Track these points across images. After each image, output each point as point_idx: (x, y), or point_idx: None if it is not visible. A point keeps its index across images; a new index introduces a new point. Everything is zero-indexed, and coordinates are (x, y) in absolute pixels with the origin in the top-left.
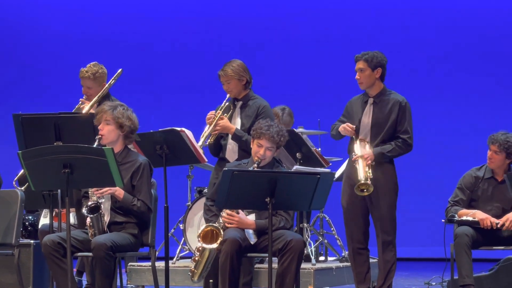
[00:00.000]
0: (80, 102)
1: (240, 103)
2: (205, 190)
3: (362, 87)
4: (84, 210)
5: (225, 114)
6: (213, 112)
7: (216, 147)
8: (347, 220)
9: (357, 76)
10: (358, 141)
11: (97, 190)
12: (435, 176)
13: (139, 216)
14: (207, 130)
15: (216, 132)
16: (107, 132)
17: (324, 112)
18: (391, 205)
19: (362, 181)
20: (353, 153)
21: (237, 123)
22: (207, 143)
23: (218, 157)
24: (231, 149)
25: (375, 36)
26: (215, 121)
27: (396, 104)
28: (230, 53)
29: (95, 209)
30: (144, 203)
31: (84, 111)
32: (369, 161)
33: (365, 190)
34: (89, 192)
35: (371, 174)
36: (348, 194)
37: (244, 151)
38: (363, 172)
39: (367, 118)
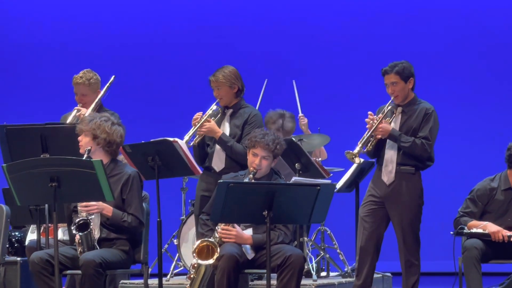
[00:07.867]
0: (76, 110)
1: (230, 111)
2: None
3: (398, 101)
4: (72, 228)
5: (213, 118)
6: (200, 113)
7: (202, 153)
8: (360, 228)
9: (390, 91)
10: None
11: (85, 206)
12: (445, 187)
13: (131, 232)
14: (192, 130)
15: (202, 133)
16: (85, 144)
17: (324, 120)
18: (413, 218)
19: (352, 152)
20: (378, 116)
21: (225, 131)
22: (191, 144)
23: (204, 165)
24: (218, 157)
25: (384, 44)
26: (201, 122)
27: (422, 111)
28: (227, 61)
29: (84, 226)
30: (135, 217)
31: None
32: (380, 135)
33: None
34: (78, 208)
35: (366, 150)
36: (369, 202)
37: (232, 159)
38: (363, 141)
39: (394, 126)
